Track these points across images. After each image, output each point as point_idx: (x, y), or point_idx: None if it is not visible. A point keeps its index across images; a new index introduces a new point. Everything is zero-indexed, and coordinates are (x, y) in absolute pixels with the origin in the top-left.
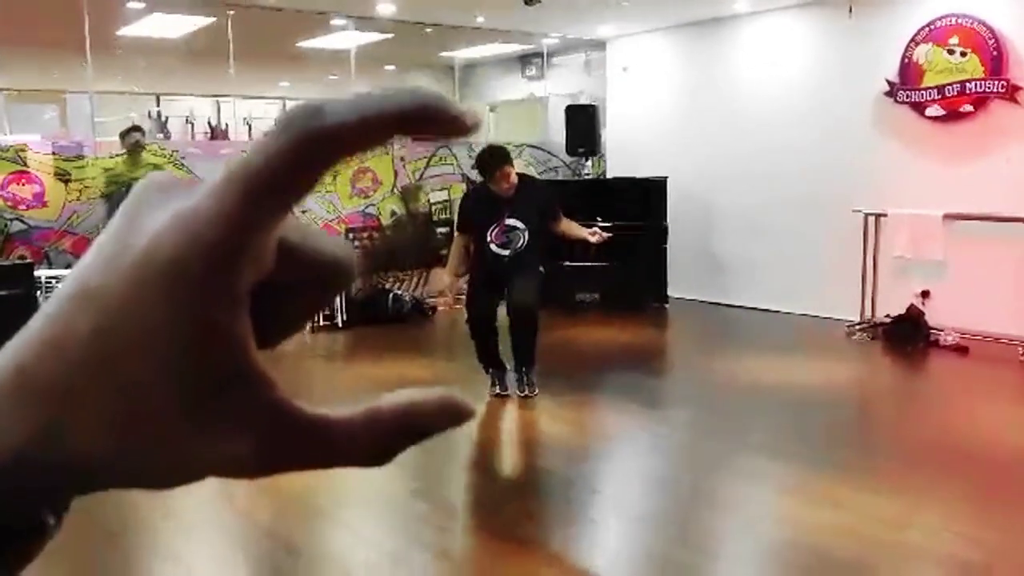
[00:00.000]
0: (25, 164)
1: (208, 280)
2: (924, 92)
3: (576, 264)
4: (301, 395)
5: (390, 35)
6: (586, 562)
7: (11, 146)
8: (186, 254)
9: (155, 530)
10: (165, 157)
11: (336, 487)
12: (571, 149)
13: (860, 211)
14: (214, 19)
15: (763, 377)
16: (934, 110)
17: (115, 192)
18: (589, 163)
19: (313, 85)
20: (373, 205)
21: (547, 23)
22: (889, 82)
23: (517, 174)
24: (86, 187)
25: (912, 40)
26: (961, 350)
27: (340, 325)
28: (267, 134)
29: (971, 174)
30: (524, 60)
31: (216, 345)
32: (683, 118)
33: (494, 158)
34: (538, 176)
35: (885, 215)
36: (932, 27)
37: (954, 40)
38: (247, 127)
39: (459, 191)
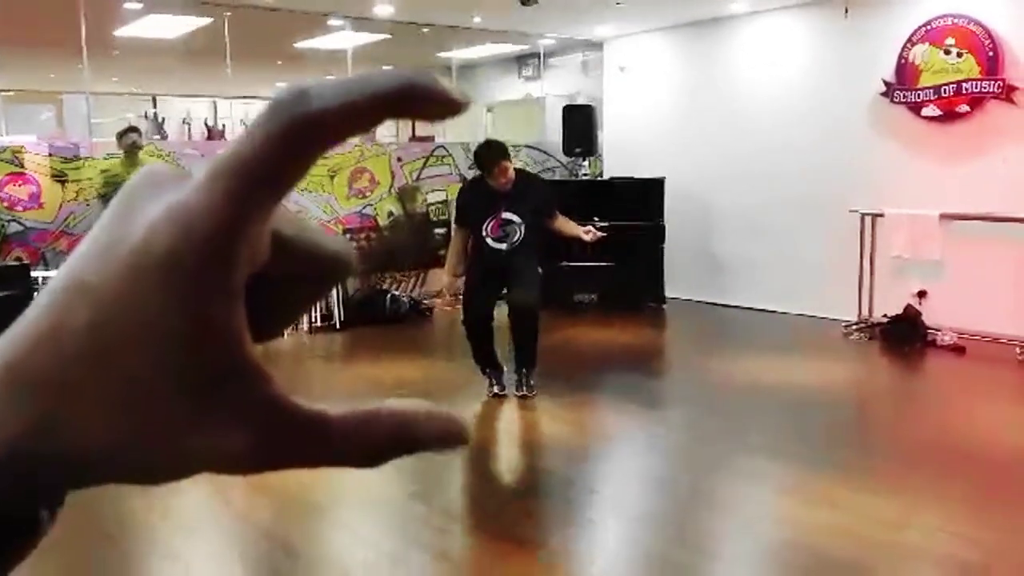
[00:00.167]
0: (21, 165)
1: (202, 273)
2: (920, 92)
3: (574, 265)
4: (299, 395)
5: (387, 36)
6: (585, 562)
7: (7, 147)
8: (180, 247)
9: (153, 529)
10: (162, 158)
11: (335, 487)
12: (568, 149)
13: (857, 211)
14: (211, 20)
15: (761, 377)
16: (930, 110)
17: (112, 193)
18: (586, 163)
19: None
20: (370, 206)
21: (544, 23)
22: (886, 82)
23: (515, 169)
24: (83, 188)
25: (908, 40)
26: (958, 350)
27: (337, 326)
28: (253, 122)
29: (968, 174)
30: (521, 60)
31: (211, 339)
32: (680, 118)
33: (491, 153)
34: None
35: (882, 215)
36: (928, 27)
37: (950, 40)
38: (244, 128)
39: (456, 192)
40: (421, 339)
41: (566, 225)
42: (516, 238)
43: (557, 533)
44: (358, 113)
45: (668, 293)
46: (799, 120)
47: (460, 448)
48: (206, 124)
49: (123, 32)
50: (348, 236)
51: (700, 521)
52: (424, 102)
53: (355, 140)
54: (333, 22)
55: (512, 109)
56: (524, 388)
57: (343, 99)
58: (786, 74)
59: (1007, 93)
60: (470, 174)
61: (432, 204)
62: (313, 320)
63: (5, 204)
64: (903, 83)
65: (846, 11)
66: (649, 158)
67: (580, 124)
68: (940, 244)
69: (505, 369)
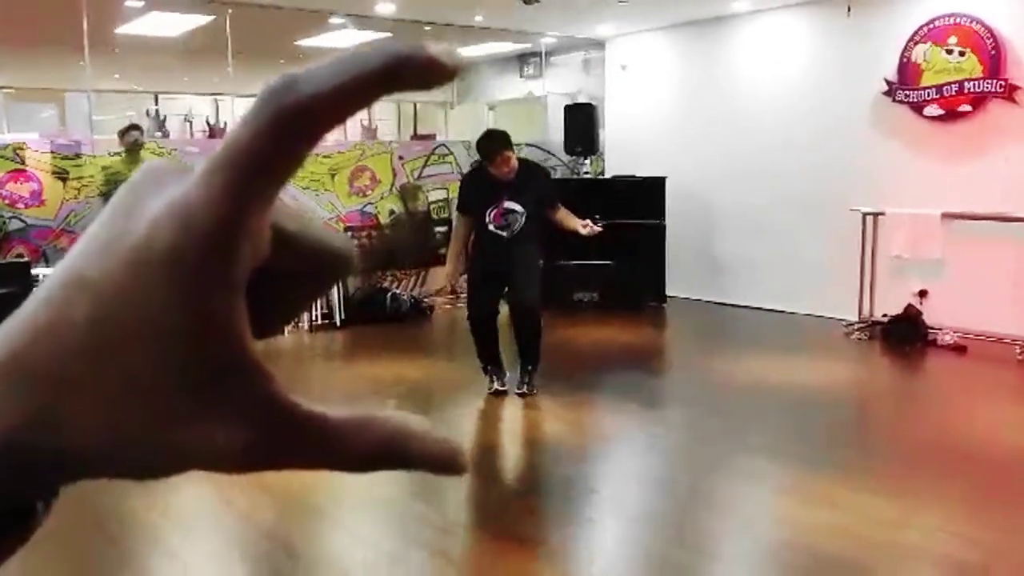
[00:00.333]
0: (23, 162)
1: (204, 268)
2: (922, 92)
3: (575, 264)
4: (299, 394)
5: (389, 34)
6: (584, 562)
7: (9, 144)
8: (182, 242)
9: (154, 528)
10: (163, 155)
11: (335, 487)
12: (569, 148)
13: (858, 210)
14: (213, 17)
15: (761, 377)
16: (932, 110)
17: (113, 191)
18: (587, 162)
19: None
20: (371, 204)
21: (546, 22)
22: (888, 81)
23: (518, 159)
24: (84, 185)
25: (911, 40)
26: (959, 349)
27: (338, 324)
28: (246, 114)
29: (969, 173)
30: (523, 59)
31: (212, 334)
32: (682, 117)
33: (494, 142)
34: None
35: (883, 214)
36: (931, 27)
37: (953, 40)
38: (238, 121)
39: (457, 190)
40: (422, 338)
41: (567, 218)
42: (518, 227)
43: (557, 532)
44: (349, 96)
45: (669, 292)
46: (801, 119)
47: (453, 476)
48: (208, 122)
49: (125, 30)
50: (349, 234)
51: (700, 521)
52: (414, 73)
53: (356, 139)
54: (335, 20)
55: (514, 108)
56: (526, 387)
57: (332, 84)
58: (788, 73)
59: (1009, 93)
60: None
61: (433, 203)
62: (314, 318)
63: (6, 201)
64: (905, 82)
65: (848, 10)
66: (650, 157)
67: (581, 123)
68: (941, 243)
69: (507, 369)
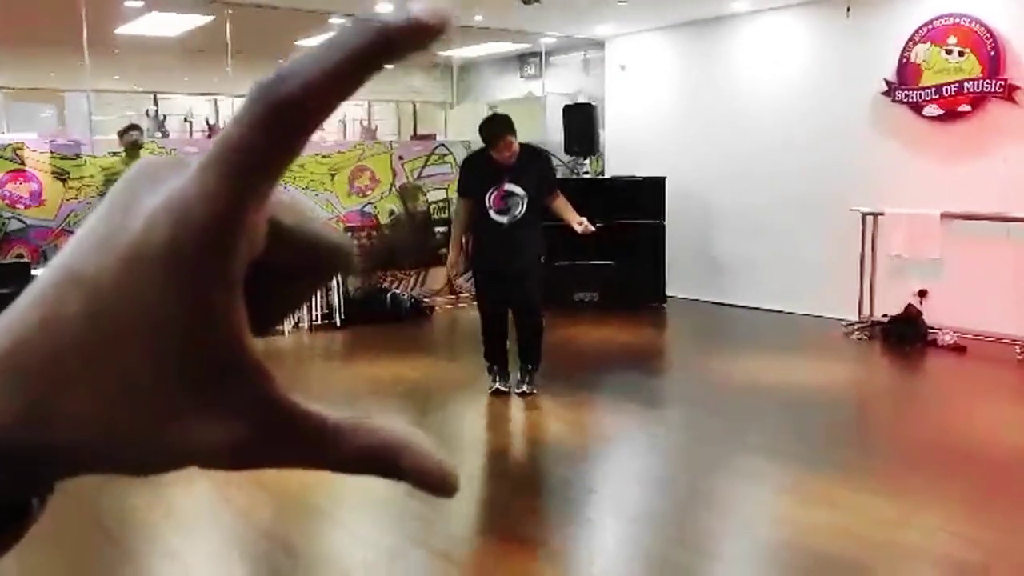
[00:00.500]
0: (23, 163)
1: (201, 263)
2: (922, 92)
3: (575, 264)
4: (298, 394)
5: None
6: (584, 562)
7: (9, 144)
8: (180, 238)
9: (154, 528)
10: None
11: (334, 486)
12: (569, 148)
13: (858, 210)
14: (212, 18)
15: (761, 377)
16: (932, 110)
17: None
18: (587, 162)
19: None
20: (371, 204)
21: (545, 22)
22: (887, 82)
23: (520, 144)
24: (84, 185)
25: (910, 40)
26: (959, 349)
27: (338, 324)
28: (239, 110)
29: (968, 173)
30: (522, 59)
31: (210, 330)
32: (681, 117)
33: (496, 126)
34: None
35: (883, 214)
36: (930, 27)
37: (952, 40)
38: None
39: (458, 173)
40: (422, 338)
41: (565, 209)
42: (519, 211)
43: (557, 532)
44: (339, 81)
45: (668, 292)
46: (800, 119)
47: (440, 497)
48: (207, 122)
49: (124, 30)
50: (349, 234)
51: (699, 521)
52: (401, 42)
53: (356, 139)
54: (334, 20)
55: (513, 108)
56: (526, 386)
57: (320, 73)
58: (787, 73)
59: (1008, 93)
60: None
61: (433, 203)
62: (314, 318)
63: (6, 202)
64: (904, 82)
65: (848, 10)
66: (650, 157)
67: (581, 123)
68: (941, 243)
69: (510, 370)
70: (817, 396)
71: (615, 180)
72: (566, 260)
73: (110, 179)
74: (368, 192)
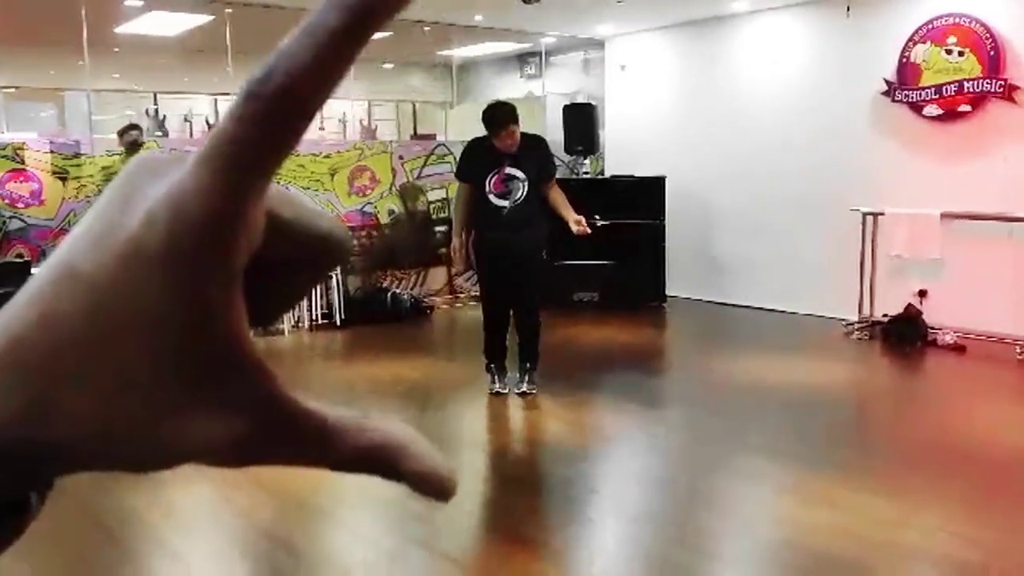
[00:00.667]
0: (23, 162)
1: (200, 260)
2: (922, 91)
3: (575, 263)
4: (298, 392)
5: (388, 33)
6: (584, 562)
7: (9, 144)
8: (179, 233)
9: (154, 527)
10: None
11: (335, 486)
12: (569, 148)
13: (858, 210)
14: (212, 17)
15: (761, 377)
16: (932, 109)
17: None
18: (587, 162)
19: None
20: (371, 204)
21: (545, 22)
22: (887, 81)
23: (522, 133)
24: (84, 185)
25: (910, 39)
26: (959, 349)
27: (338, 324)
28: (231, 105)
29: (968, 173)
30: (522, 59)
31: (209, 326)
32: (681, 117)
33: (499, 114)
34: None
35: (883, 214)
36: (930, 27)
37: (952, 40)
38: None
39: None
40: (422, 338)
41: (562, 205)
42: (519, 195)
43: (557, 532)
44: (325, 63)
45: (668, 292)
46: (800, 119)
47: (437, 500)
48: (207, 122)
49: (124, 29)
50: (349, 233)
51: (700, 521)
52: (377, 9)
53: (356, 138)
54: None
55: None
56: (525, 385)
57: (305, 58)
58: (787, 73)
59: (1008, 93)
60: None
61: (433, 202)
62: (314, 318)
63: (6, 201)
64: (904, 82)
65: (848, 10)
66: (650, 157)
67: (581, 122)
68: (940, 243)
69: (508, 370)
70: (817, 396)
71: (615, 180)
72: (566, 260)
73: (110, 178)
74: (368, 192)
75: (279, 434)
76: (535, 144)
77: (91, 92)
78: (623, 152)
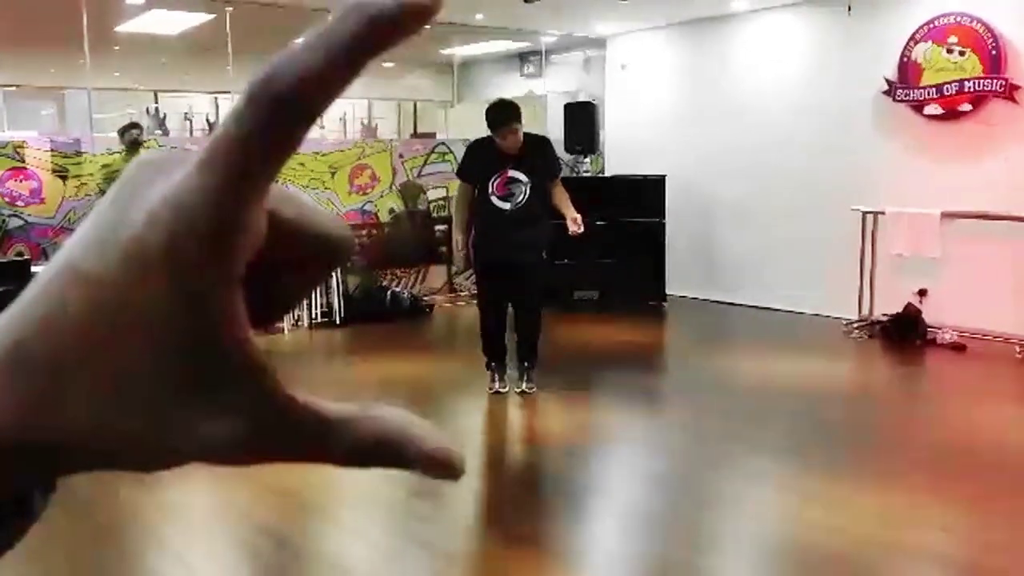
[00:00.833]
0: (23, 160)
1: (201, 261)
2: (923, 91)
3: (575, 262)
4: (297, 390)
5: None
6: (584, 560)
7: (9, 142)
8: (181, 234)
9: (155, 527)
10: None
11: (336, 485)
12: (570, 147)
13: (858, 209)
14: (213, 15)
15: (761, 376)
16: (933, 109)
17: None
18: (588, 161)
19: None
20: (371, 202)
21: (546, 21)
22: (888, 81)
23: (525, 133)
24: (84, 183)
25: (911, 39)
26: (958, 348)
27: (338, 322)
28: (234, 106)
29: (969, 173)
30: (523, 58)
31: (210, 327)
32: (682, 116)
33: (503, 114)
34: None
35: (883, 213)
36: (931, 26)
37: (953, 39)
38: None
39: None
40: (421, 336)
41: (563, 200)
42: (521, 198)
43: (556, 532)
44: (334, 73)
45: (669, 291)
46: (801, 118)
47: (448, 480)
48: (208, 120)
49: (125, 27)
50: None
51: (700, 520)
52: (395, 28)
53: (356, 137)
54: None
55: None
56: (525, 384)
57: (314, 65)
58: (788, 72)
59: (1009, 92)
60: None
61: (433, 201)
62: (314, 316)
63: (6, 199)
64: (905, 82)
65: (849, 9)
66: (650, 155)
67: (582, 121)
68: (941, 242)
69: (508, 368)
70: (817, 394)
71: (616, 179)
72: (566, 258)
73: (110, 177)
74: (368, 190)
75: (282, 432)
76: (539, 145)
77: (91, 90)
78: (623, 151)
